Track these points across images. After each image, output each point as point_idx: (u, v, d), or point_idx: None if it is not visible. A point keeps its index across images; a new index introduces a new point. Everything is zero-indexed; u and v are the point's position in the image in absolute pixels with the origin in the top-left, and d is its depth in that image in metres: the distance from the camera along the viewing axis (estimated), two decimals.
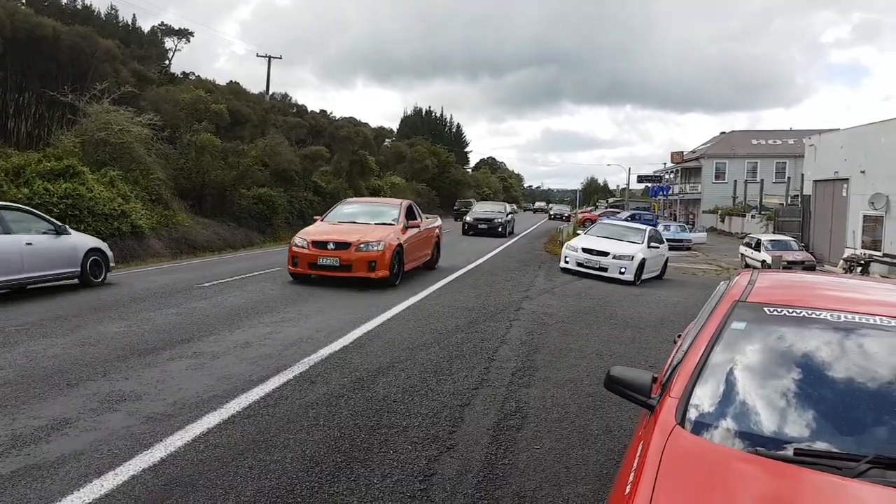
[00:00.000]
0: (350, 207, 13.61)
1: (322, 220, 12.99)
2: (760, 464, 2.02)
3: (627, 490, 1.98)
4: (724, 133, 59.03)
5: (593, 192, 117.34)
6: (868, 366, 2.46)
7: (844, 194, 24.21)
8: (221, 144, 25.26)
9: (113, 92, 20.93)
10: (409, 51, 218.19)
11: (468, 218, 29.41)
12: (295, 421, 4.73)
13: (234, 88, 38.32)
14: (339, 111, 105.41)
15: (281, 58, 45.40)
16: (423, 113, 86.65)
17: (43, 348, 6.56)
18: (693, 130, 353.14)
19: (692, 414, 2.26)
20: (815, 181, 27.46)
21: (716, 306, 3.02)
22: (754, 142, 53.90)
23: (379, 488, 3.73)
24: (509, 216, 30.82)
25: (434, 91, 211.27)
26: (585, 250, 15.32)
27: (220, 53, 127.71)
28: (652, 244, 15.91)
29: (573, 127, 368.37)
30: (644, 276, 15.15)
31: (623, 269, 14.55)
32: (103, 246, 11.48)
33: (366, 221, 12.52)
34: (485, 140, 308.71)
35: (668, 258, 17.77)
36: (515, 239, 28.51)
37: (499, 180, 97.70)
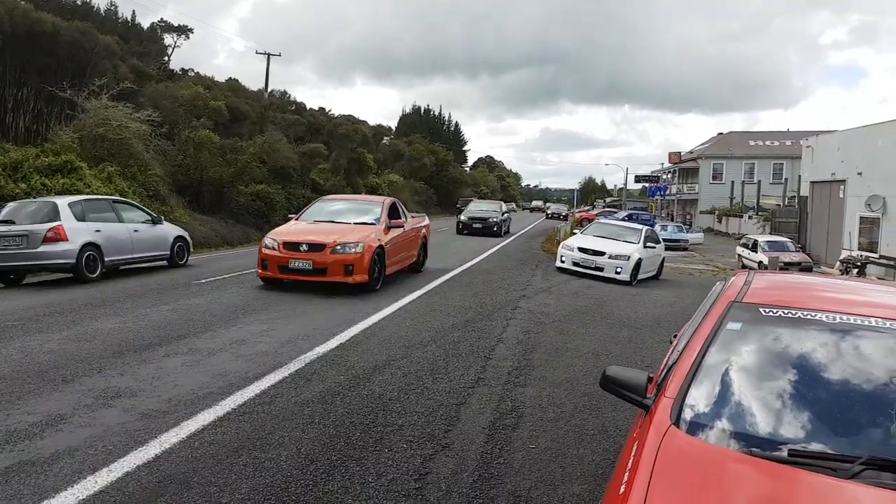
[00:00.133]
0: (329, 205, 12.47)
1: (297, 219, 11.80)
2: (755, 464, 2.02)
3: (622, 490, 1.98)
4: (721, 134, 59.20)
5: (591, 191, 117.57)
6: (863, 367, 2.47)
7: (841, 196, 24.26)
8: (220, 141, 25.19)
9: (112, 88, 20.87)
10: (409, 49, 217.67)
11: (462, 217, 29.12)
12: (290, 419, 4.72)
13: (232, 85, 38.32)
14: (337, 109, 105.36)
15: (280, 55, 45.56)
16: (422, 111, 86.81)
17: (38, 343, 6.55)
18: (691, 131, 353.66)
19: (687, 414, 2.26)
20: (812, 182, 27.52)
21: (711, 307, 3.02)
22: (752, 143, 54.08)
23: (374, 487, 3.72)
24: (505, 215, 30.55)
25: (433, 89, 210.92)
26: (581, 250, 15.30)
27: (219, 50, 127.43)
28: (648, 244, 15.89)
29: (572, 126, 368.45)
30: (640, 276, 15.14)
31: (619, 269, 14.54)
32: (186, 234, 14.08)
33: (345, 220, 11.43)
34: (483, 139, 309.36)
35: (664, 258, 17.77)
36: (512, 238, 28.45)
37: (496, 179, 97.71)
